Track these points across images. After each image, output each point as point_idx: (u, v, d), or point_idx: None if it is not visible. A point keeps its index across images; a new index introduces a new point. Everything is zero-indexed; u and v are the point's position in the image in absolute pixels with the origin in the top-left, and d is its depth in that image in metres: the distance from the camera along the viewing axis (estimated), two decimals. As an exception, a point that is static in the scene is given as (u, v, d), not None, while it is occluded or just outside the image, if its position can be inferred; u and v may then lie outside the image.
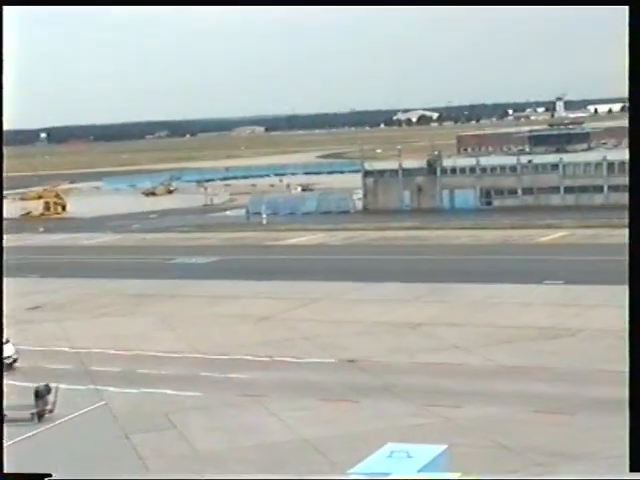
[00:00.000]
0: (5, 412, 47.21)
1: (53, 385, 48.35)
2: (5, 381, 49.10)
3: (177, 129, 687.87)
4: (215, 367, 54.94)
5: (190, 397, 49.77)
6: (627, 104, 13.11)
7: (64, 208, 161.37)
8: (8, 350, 55.15)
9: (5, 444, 43.46)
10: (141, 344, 61.20)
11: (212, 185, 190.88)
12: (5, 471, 12.02)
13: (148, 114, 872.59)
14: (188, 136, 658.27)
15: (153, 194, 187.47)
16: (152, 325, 67.40)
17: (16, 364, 55.80)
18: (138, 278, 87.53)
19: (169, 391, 50.71)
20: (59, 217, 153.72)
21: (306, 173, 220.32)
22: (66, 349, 61.33)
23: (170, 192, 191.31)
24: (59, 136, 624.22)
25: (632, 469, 12.92)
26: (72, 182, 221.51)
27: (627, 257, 13.74)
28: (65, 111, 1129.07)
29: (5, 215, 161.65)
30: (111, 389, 51.65)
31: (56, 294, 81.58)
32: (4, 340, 54.90)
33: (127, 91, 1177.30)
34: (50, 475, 13.68)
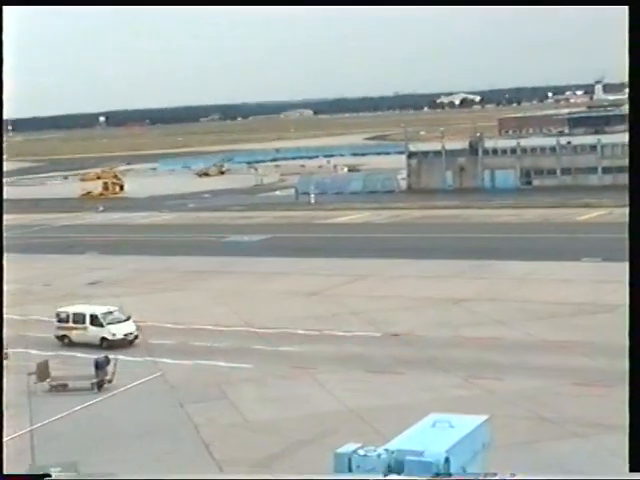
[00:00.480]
0: (67, 382, 47.91)
1: (112, 356, 48.81)
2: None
3: (229, 113, 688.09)
4: (266, 340, 55.13)
5: (242, 369, 49.97)
6: None
7: (122, 188, 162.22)
8: (129, 327, 55.56)
9: (70, 410, 44.06)
10: (195, 318, 61.48)
11: (262, 166, 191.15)
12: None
13: (202, 98, 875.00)
14: (240, 119, 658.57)
15: (206, 175, 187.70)
16: (206, 300, 67.65)
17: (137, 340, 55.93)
18: (192, 255, 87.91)
19: (222, 363, 50.95)
20: (117, 197, 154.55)
21: (353, 154, 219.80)
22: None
23: (222, 173, 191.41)
24: (117, 120, 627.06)
25: (632, 469, 12.75)
26: (129, 164, 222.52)
27: (628, 256, 13.52)
28: (123, 96, 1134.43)
29: (67, 195, 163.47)
30: (167, 360, 51.97)
31: (114, 270, 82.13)
32: (125, 317, 56.03)
33: (182, 76, 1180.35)
34: (49, 475, 13.70)
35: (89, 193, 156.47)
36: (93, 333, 55.57)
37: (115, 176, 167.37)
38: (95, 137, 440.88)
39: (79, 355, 52.88)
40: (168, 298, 69.21)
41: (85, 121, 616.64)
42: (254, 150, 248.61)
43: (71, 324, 56.68)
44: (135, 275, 79.56)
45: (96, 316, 55.90)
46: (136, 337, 55.65)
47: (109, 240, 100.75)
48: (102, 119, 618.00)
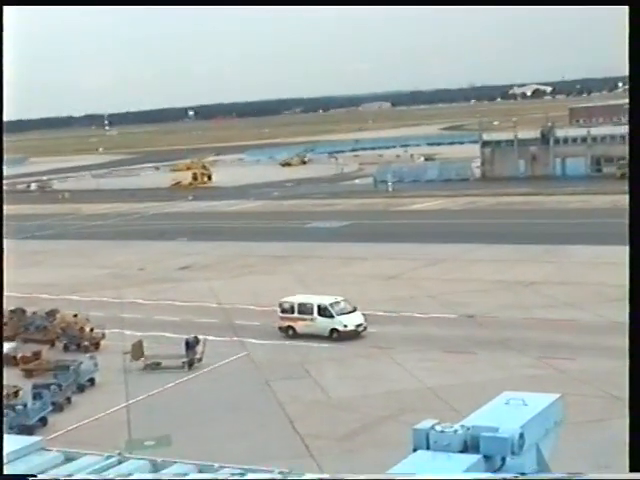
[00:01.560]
0: (160, 360, 48.48)
1: (201, 337, 49.29)
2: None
3: (311, 105, 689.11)
4: (376, 321, 55.06)
5: (324, 348, 50.15)
6: None
7: (210, 178, 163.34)
8: (359, 318, 52.61)
9: (162, 387, 44.60)
10: (279, 300, 61.76)
11: (342, 156, 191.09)
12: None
13: (286, 92, 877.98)
14: (321, 112, 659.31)
15: (289, 165, 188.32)
16: (290, 283, 67.86)
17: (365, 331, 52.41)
18: (277, 241, 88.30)
19: (303, 343, 51.16)
20: (205, 186, 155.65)
21: (429, 144, 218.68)
22: (213, 305, 62.30)
23: (304, 163, 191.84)
24: (206, 113, 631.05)
25: (632, 469, 12.43)
26: (217, 155, 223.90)
27: (628, 257, 13.22)
28: (211, 90, 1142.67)
29: (158, 185, 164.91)
30: (252, 341, 52.33)
31: (203, 255, 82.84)
32: (352, 308, 53.00)
33: (267, 71, 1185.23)
34: (34, 475, 13.78)
35: (179, 183, 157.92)
36: (322, 324, 52.35)
37: (204, 167, 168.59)
38: (185, 130, 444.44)
39: (169, 335, 53.46)
40: (254, 281, 69.62)
41: (175, 115, 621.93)
42: (334, 141, 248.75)
43: (296, 315, 53.18)
44: (223, 260, 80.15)
45: (325, 307, 52.60)
46: (365, 328, 52.32)
47: (198, 227, 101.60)
48: (191, 113, 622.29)
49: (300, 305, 53.25)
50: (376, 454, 31.79)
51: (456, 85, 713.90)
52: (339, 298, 54.21)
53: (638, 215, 11.72)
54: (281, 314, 53.74)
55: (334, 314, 52.12)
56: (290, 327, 53.16)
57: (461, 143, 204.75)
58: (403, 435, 13.45)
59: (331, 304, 52.89)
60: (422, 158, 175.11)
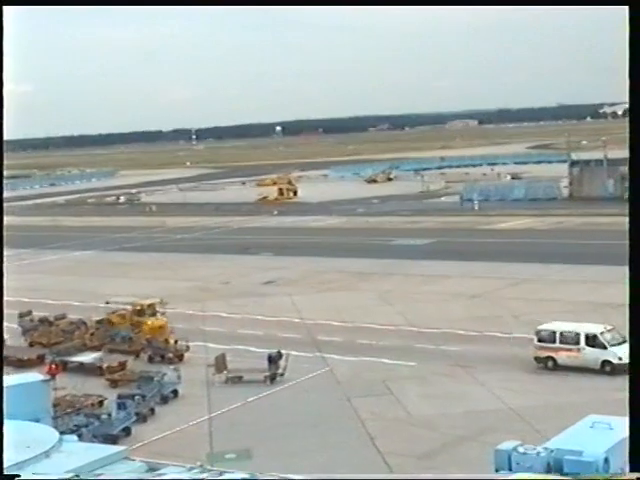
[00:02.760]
0: (242, 374, 48.78)
1: (284, 351, 49.45)
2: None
3: (397, 122, 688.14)
4: (429, 339, 54.92)
5: (405, 366, 49.93)
6: None
7: (295, 193, 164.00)
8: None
9: (244, 401, 44.84)
10: (362, 317, 61.72)
11: (428, 173, 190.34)
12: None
13: (372, 109, 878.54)
14: (407, 129, 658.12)
15: (374, 181, 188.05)
16: (372, 300, 67.82)
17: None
18: (361, 257, 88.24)
19: (386, 360, 51.00)
20: (291, 201, 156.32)
21: (516, 163, 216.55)
22: (296, 320, 62.49)
23: (390, 179, 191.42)
24: (292, 129, 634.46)
25: (632, 469, 12.09)
26: (303, 170, 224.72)
27: (628, 258, 12.89)
28: (297, 106, 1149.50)
29: (244, 200, 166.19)
30: (334, 357, 52.34)
31: (287, 270, 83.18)
32: (622, 338, 45.68)
33: (353, 88, 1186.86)
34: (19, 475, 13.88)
35: (265, 198, 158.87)
36: (591, 356, 47.28)
37: (289, 182, 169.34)
38: (271, 145, 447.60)
39: (252, 349, 53.73)
40: (337, 297, 69.68)
41: (262, 130, 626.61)
42: (421, 158, 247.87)
43: (558, 344, 47.97)
44: (307, 275, 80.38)
45: (595, 335, 47.53)
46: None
47: (282, 242, 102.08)
48: (278, 128, 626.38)
49: (564, 333, 48.28)
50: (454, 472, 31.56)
51: (544, 103, 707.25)
52: (608, 326, 48.51)
53: (638, 230, 11.54)
54: (539, 343, 48.79)
55: (606, 345, 46.91)
56: (550, 358, 48.23)
57: (549, 162, 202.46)
58: (484, 455, 13.35)
59: (601, 333, 47.76)
60: (509, 177, 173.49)
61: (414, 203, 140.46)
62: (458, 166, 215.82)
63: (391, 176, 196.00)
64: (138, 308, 58.43)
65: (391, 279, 76.53)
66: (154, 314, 58.01)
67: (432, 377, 47.78)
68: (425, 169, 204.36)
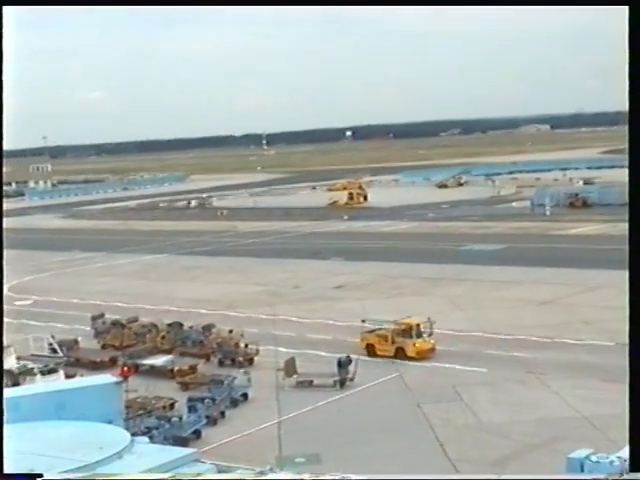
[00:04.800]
0: (312, 378, 48.85)
1: (354, 356, 49.45)
2: None
3: (469, 127, 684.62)
4: (500, 346, 54.50)
5: (476, 372, 49.61)
6: None
7: (365, 198, 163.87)
8: None
9: (314, 405, 44.94)
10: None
11: (499, 178, 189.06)
12: (5, 471, 12.18)
13: (443, 113, 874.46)
14: (478, 133, 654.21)
15: (445, 186, 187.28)
16: (442, 306, 67.49)
17: None
18: (431, 262, 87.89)
19: (457, 366, 50.73)
20: (361, 206, 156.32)
21: (588, 168, 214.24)
22: (366, 325, 62.38)
23: (460, 185, 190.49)
24: (362, 134, 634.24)
25: (632, 469, 11.77)
26: (373, 175, 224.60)
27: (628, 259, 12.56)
28: (368, 111, 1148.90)
29: (314, 204, 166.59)
30: (404, 362, 52.18)
31: (357, 275, 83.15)
32: None
33: (424, 93, 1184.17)
34: (41, 475, 13.87)
35: (335, 202, 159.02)
36: None
37: (360, 187, 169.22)
38: (341, 150, 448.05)
39: (322, 354, 53.81)
40: (407, 303, 69.42)
41: (332, 135, 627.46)
42: (492, 163, 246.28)
43: None
44: (377, 280, 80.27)
45: None
46: None
47: (353, 247, 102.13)
48: (349, 133, 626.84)
49: None
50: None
51: (620, 107, 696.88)
52: None
53: (638, 234, 11.36)
54: None
55: None
56: None
57: (622, 167, 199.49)
58: (556, 463, 13.18)
59: None
60: (581, 182, 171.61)
61: (485, 208, 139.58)
62: (530, 171, 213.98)
63: (462, 181, 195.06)
64: (403, 328, 53.52)
65: (462, 285, 76.12)
66: (420, 335, 53.30)
67: (503, 383, 47.41)
68: (496, 174, 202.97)
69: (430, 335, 53.11)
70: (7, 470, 14.40)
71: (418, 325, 53.51)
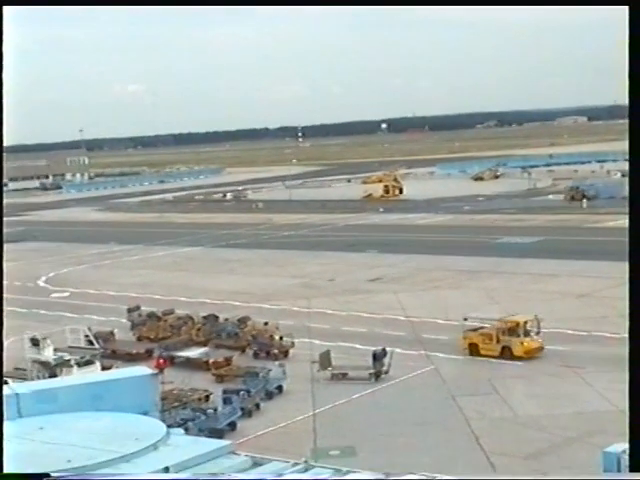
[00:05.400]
0: (346, 371, 48.89)
1: (389, 349, 49.41)
2: None
3: (505, 119, 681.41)
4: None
5: (511, 365, 49.44)
6: None
7: (401, 191, 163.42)
8: None
9: (349, 397, 44.94)
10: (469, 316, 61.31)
11: (536, 171, 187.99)
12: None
13: (479, 106, 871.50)
14: (514, 126, 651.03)
15: (481, 179, 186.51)
16: (479, 298, 67.31)
17: None
18: (467, 255, 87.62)
19: (492, 360, 50.57)
20: (396, 199, 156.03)
21: (626, 160, 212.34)
22: (401, 317, 62.37)
23: (496, 177, 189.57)
24: (398, 126, 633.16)
25: (632, 469, 11.64)
26: (409, 168, 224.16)
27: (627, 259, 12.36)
28: (403, 104, 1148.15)
29: (350, 197, 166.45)
30: (439, 355, 52.09)
31: (392, 268, 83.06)
32: None
33: (460, 85, 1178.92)
34: (48, 475, 13.86)
35: (370, 195, 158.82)
36: None
37: (395, 179, 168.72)
38: (377, 143, 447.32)
39: (357, 346, 53.81)
40: (443, 295, 69.34)
41: (368, 128, 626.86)
42: (528, 155, 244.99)
43: None
44: (412, 273, 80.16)
45: None
46: None
47: (388, 239, 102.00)
48: (384, 126, 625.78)
49: None
50: (563, 475, 31.11)
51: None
52: None
53: (638, 228, 11.23)
54: None
55: None
56: None
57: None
58: (592, 457, 13.11)
59: None
60: (619, 174, 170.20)
61: (521, 201, 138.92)
62: (567, 163, 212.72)
63: (498, 173, 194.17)
64: (509, 326, 51.41)
65: (498, 277, 75.84)
66: (527, 333, 51.34)
67: (539, 377, 47.19)
68: (532, 166, 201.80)
69: (538, 334, 51.39)
70: (52, 461, 14.53)
71: (525, 323, 51.70)
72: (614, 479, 13.44)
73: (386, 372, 48.20)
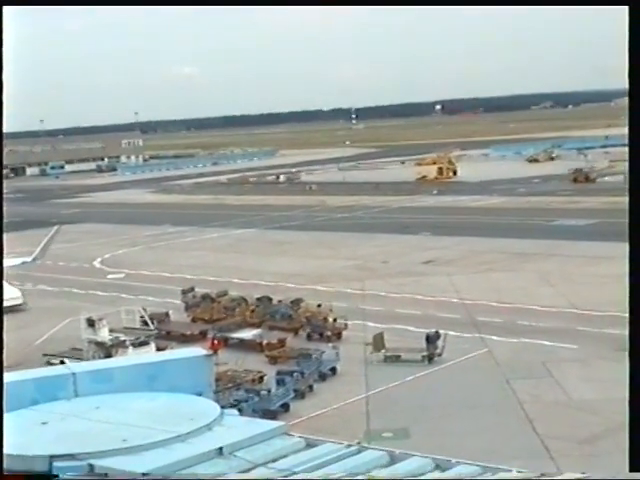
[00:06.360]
0: (400, 353, 48.87)
1: (442, 332, 49.33)
2: None
3: (561, 100, 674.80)
4: (591, 322, 53.82)
5: (566, 349, 49.09)
6: None
7: (455, 173, 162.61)
8: None
9: (402, 380, 44.93)
10: (522, 298, 60.96)
11: (592, 152, 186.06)
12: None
13: (534, 86, 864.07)
14: (570, 107, 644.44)
15: (536, 161, 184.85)
16: (532, 281, 66.92)
17: None
18: (521, 238, 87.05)
19: (546, 342, 50.26)
20: (450, 181, 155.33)
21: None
22: (454, 300, 62.20)
23: (552, 159, 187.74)
24: (453, 108, 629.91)
25: (632, 469, 11.42)
26: (463, 149, 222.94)
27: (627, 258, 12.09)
28: (457, 85, 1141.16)
29: (403, 179, 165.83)
30: (493, 338, 51.87)
31: (446, 250, 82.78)
32: None
33: (515, 66, 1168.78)
34: (49, 473, 13.88)
35: (424, 177, 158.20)
36: None
37: (449, 161, 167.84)
38: (431, 124, 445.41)
39: (410, 329, 53.77)
40: (496, 278, 69.01)
41: (422, 109, 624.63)
42: (584, 137, 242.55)
43: None
44: (466, 255, 79.84)
45: None
46: None
47: (442, 222, 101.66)
48: (438, 107, 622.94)
49: None
50: (619, 460, 30.81)
51: None
52: None
53: (638, 215, 11.05)
54: None
55: None
56: None
57: None
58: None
59: None
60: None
61: (576, 183, 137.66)
62: (623, 145, 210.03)
63: (553, 155, 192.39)
64: None
65: (552, 260, 75.29)
66: None
67: (594, 361, 46.83)
68: (589, 148, 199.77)
69: None
70: (108, 440, 14.71)
71: None
72: (614, 479, 13.34)
73: (439, 355, 48.12)
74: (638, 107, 10.57)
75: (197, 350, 19.99)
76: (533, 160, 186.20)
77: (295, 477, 13.49)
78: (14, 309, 64.04)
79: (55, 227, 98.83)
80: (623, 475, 13.36)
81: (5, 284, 64.53)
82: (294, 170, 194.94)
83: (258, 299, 60.61)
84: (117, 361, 28.80)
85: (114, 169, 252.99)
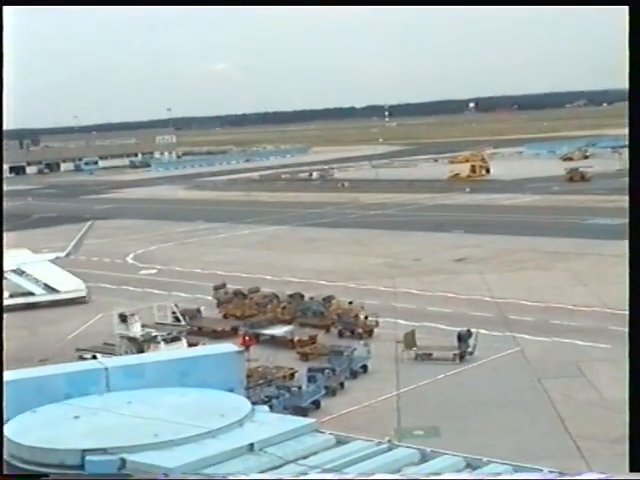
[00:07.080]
0: (431, 351, 48.77)
1: (474, 330, 49.17)
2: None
3: (595, 98, 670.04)
4: (624, 322, 53.09)
5: (599, 348, 48.77)
6: None
7: (488, 171, 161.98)
8: None
9: (433, 378, 44.84)
10: (555, 297, 60.65)
11: (627, 151, 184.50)
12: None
13: (568, 84, 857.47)
14: (605, 105, 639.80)
15: (570, 159, 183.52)
16: (565, 280, 66.56)
17: None
18: (554, 236, 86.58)
19: (579, 342, 49.99)
20: (483, 179, 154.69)
21: None
22: (486, 298, 61.98)
23: (586, 157, 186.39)
24: (486, 105, 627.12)
25: (632, 469, 11.29)
26: (496, 147, 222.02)
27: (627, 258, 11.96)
28: (491, 83, 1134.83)
29: (436, 177, 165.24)
30: (525, 336, 51.65)
31: (478, 248, 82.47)
32: None
33: (549, 64, 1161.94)
34: (47, 475, 13.88)
35: (457, 175, 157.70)
36: None
37: (482, 159, 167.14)
38: (464, 122, 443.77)
39: (441, 327, 53.65)
40: (529, 277, 68.70)
41: (455, 107, 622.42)
42: (619, 135, 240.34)
43: None
44: (498, 254, 79.49)
45: None
46: None
47: (474, 220, 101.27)
48: (472, 105, 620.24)
49: None
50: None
51: None
52: None
53: (638, 214, 10.96)
54: None
55: None
56: None
57: None
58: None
59: None
60: None
61: (611, 182, 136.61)
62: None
63: (587, 154, 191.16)
64: None
65: (585, 259, 74.86)
66: None
67: (625, 360, 46.44)
68: (623, 146, 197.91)
69: None
70: (140, 435, 14.79)
71: None
72: (615, 479, 13.25)
73: (471, 353, 47.99)
74: (638, 107, 10.50)
75: (228, 346, 20.06)
76: (567, 158, 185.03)
77: (325, 475, 13.51)
78: (76, 301, 65.87)
79: (89, 223, 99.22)
80: (623, 475, 13.31)
81: (68, 275, 64.56)
82: (327, 167, 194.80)
83: (290, 296, 60.66)
84: (149, 356, 28.96)
85: (148, 165, 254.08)
